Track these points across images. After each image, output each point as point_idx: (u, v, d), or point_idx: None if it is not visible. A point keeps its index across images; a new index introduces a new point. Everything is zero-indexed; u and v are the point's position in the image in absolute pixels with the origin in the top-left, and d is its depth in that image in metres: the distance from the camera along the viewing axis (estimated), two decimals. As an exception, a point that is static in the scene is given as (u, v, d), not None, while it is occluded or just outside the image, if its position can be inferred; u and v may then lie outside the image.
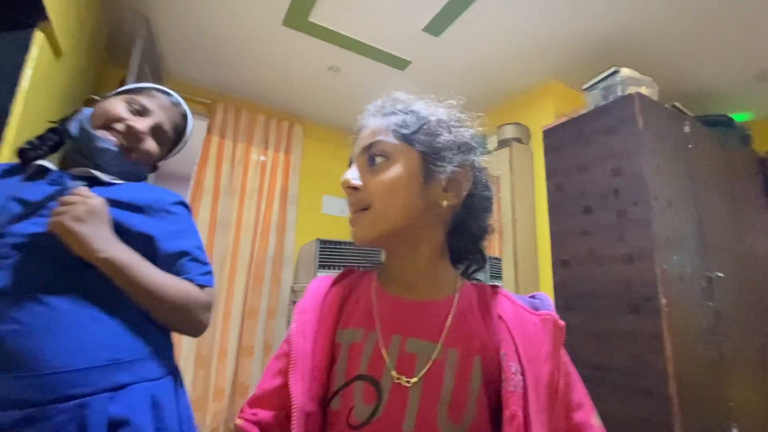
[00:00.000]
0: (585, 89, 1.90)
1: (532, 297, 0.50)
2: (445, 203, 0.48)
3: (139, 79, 1.58)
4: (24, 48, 1.06)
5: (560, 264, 1.74)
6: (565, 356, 0.45)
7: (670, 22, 1.78)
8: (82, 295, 0.61)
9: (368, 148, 0.49)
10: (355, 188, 0.48)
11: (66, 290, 0.60)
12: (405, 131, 0.48)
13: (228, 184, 2.45)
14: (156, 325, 0.67)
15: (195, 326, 0.70)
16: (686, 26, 1.79)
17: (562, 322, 0.46)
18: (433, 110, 0.51)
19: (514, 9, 1.74)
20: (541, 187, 2.09)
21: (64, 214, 0.58)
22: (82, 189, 0.63)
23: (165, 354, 0.69)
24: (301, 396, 0.41)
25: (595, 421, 0.44)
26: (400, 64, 2.16)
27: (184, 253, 0.71)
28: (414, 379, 0.42)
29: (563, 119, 1.91)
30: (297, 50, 2.08)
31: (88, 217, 0.59)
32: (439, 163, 0.48)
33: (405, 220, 0.47)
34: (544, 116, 2.23)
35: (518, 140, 2.24)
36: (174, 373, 0.70)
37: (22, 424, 0.52)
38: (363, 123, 0.53)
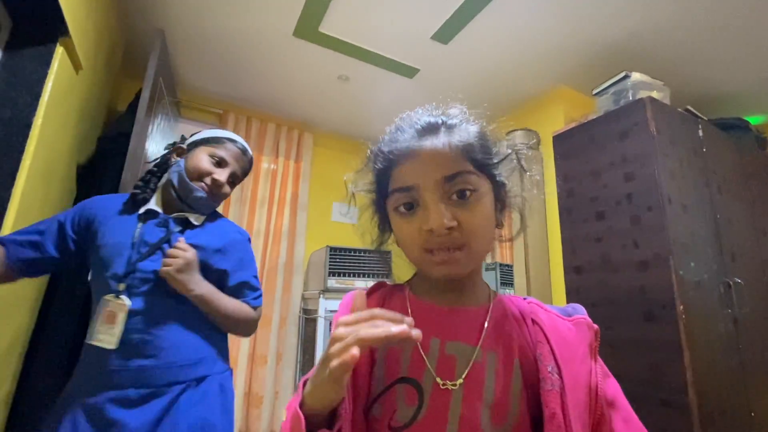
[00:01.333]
0: (595, 94, 1.89)
1: (564, 308, 0.52)
2: (502, 224, 0.51)
3: (153, 92, 1.61)
4: (46, 62, 1.09)
5: (573, 271, 1.72)
6: (601, 361, 0.46)
7: (680, 26, 1.77)
8: (182, 315, 0.89)
9: (451, 178, 0.44)
10: (449, 229, 0.43)
11: (173, 312, 0.88)
12: (484, 161, 0.47)
13: (239, 193, 2.48)
14: (223, 334, 0.98)
15: (248, 333, 1.03)
16: (697, 29, 1.78)
17: (595, 326, 0.48)
18: (498, 139, 0.51)
19: (523, 16, 1.75)
20: (552, 192, 2.07)
21: (170, 266, 0.85)
22: (182, 243, 0.89)
23: (226, 355, 1.00)
24: (349, 403, 0.40)
25: (636, 422, 0.45)
26: (408, 72, 2.18)
27: (244, 283, 1.00)
28: (459, 381, 0.42)
29: (573, 125, 1.90)
30: (307, 60, 2.12)
31: (186, 268, 0.86)
32: (504, 195, 0.51)
33: (487, 253, 0.50)
34: (554, 122, 2.22)
35: (528, 146, 2.23)
36: (230, 368, 1.00)
37: (147, 398, 0.81)
38: (419, 145, 0.46)
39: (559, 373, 0.42)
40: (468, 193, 0.44)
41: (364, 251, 2.42)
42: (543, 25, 1.80)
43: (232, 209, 2.42)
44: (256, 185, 2.55)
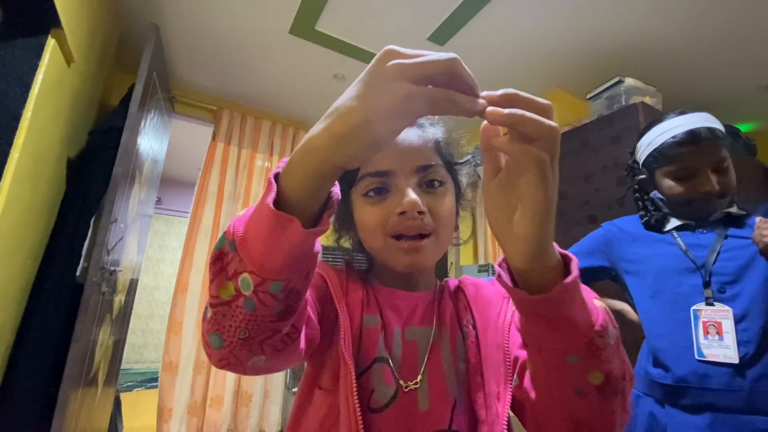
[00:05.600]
0: (589, 98, 1.91)
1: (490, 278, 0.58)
2: (458, 226, 0.54)
3: (146, 86, 1.60)
4: (37, 54, 1.08)
5: (564, 273, 1.73)
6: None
7: (674, 32, 1.79)
8: None
9: (425, 168, 0.46)
10: (421, 213, 0.44)
11: None
12: (451, 160, 0.51)
13: (232, 190, 2.46)
14: None
15: None
16: (691, 36, 1.80)
17: None
18: (459, 144, 0.54)
19: (519, 18, 1.76)
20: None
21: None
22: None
23: None
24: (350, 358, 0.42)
25: None
26: (404, 72, 2.18)
27: None
28: (419, 377, 0.44)
29: (567, 128, 1.92)
30: (303, 58, 2.11)
31: None
32: (461, 197, 0.54)
33: (447, 248, 0.51)
34: (547, 125, 2.23)
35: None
36: None
37: None
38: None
39: (474, 324, 0.48)
40: (437, 184, 0.47)
41: (352, 250, 2.41)
42: (538, 29, 1.81)
43: (224, 206, 2.41)
44: (249, 183, 2.54)
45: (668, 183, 0.86)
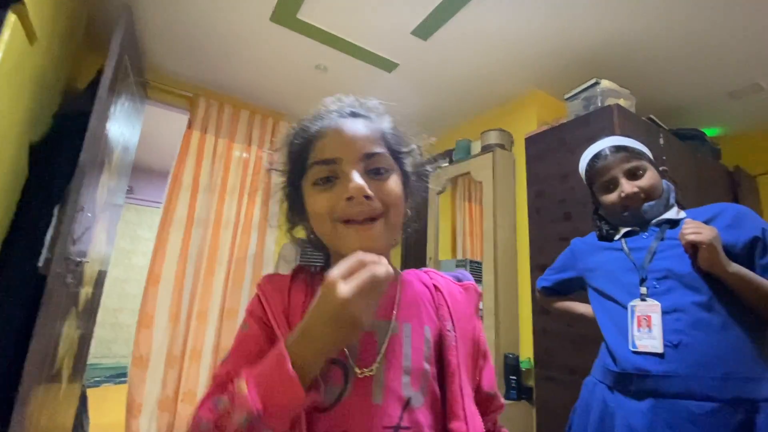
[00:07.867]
0: (566, 99, 1.95)
1: (455, 274, 0.60)
2: (408, 214, 0.55)
3: (117, 69, 1.52)
4: (-6, 30, 1.01)
5: (539, 269, 1.77)
6: (480, 320, 0.57)
7: (650, 38, 1.84)
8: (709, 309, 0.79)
9: (371, 156, 0.48)
10: (368, 197, 0.46)
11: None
12: (397, 149, 0.53)
13: (208, 181, 2.40)
14: None
15: None
16: (665, 43, 1.86)
17: (480, 290, 0.59)
18: (406, 135, 0.56)
19: (501, 18, 1.77)
20: (523, 192, 2.13)
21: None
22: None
23: None
24: None
25: (492, 367, 0.56)
26: (387, 65, 2.16)
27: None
28: (375, 365, 0.45)
29: (545, 127, 1.96)
30: (284, 47, 2.06)
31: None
32: (412, 184, 0.55)
33: (398, 235, 0.52)
34: (527, 124, 2.27)
35: (501, 146, 2.27)
36: None
37: (709, 414, 0.72)
38: (342, 123, 0.50)
39: (454, 330, 0.50)
40: (383, 171, 0.49)
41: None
42: (520, 28, 1.83)
43: (200, 197, 2.34)
44: (226, 174, 2.47)
45: (602, 197, 1.00)
